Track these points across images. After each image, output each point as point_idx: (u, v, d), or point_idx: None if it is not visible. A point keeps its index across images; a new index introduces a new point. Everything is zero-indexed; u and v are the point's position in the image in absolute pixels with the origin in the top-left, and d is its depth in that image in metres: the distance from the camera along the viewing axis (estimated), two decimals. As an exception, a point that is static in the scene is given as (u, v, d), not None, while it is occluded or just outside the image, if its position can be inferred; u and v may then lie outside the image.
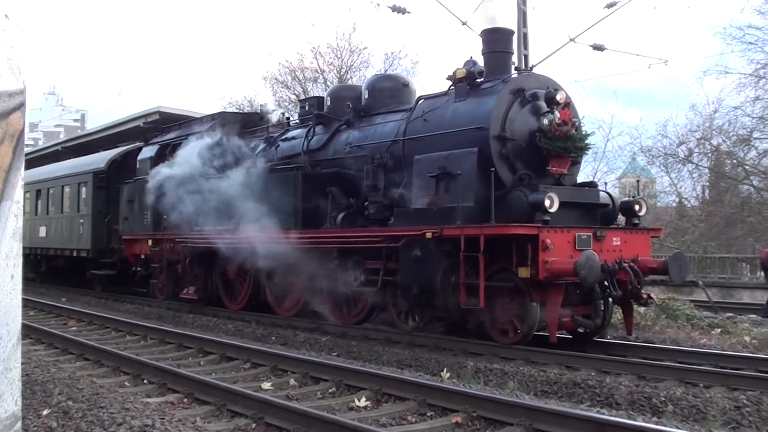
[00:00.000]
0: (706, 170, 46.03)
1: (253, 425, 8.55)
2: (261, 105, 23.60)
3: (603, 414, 8.64)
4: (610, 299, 13.81)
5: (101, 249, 26.23)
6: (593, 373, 11.44)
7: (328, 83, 44.77)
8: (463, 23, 23.08)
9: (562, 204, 13.08)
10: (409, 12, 24.32)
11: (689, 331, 16.49)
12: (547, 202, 12.80)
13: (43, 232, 30.51)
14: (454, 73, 14.66)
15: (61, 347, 14.33)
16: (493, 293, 13.18)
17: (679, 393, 10.02)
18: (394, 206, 15.05)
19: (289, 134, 18.86)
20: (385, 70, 43.16)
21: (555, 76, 15.42)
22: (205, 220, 18.83)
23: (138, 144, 25.39)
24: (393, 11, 24.10)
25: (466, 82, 14.50)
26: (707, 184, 47.75)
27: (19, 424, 5.60)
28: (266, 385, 10.70)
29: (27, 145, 8.77)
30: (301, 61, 47.65)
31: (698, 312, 18.39)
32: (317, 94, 31.67)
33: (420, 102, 15.57)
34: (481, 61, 14.90)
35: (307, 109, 19.21)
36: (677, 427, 8.28)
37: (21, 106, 5.50)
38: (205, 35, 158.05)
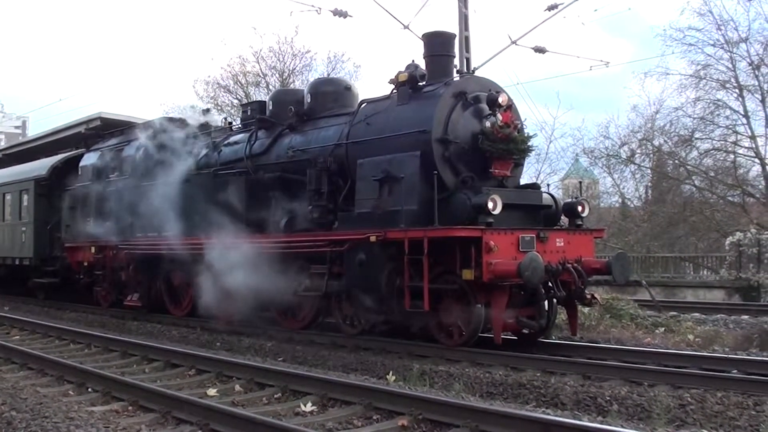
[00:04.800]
0: (649, 171, 46.55)
1: (199, 432, 8.51)
2: (203, 110, 23.45)
3: (548, 414, 8.69)
4: (554, 300, 13.89)
5: (44, 257, 25.90)
6: (538, 374, 11.51)
7: (270, 87, 44.61)
8: (405, 27, 23.15)
9: (505, 206, 13.15)
10: (350, 16, 24.32)
11: (633, 331, 16.63)
12: (490, 205, 12.85)
13: (-16, 240, 30.11)
14: (397, 76, 14.65)
15: (3, 357, 14.12)
16: (437, 296, 13.22)
17: (624, 392, 10.12)
18: (338, 210, 15.07)
19: (232, 139, 18.75)
20: (328, 74, 43.11)
21: (497, 78, 15.51)
22: (147, 226, 18.70)
23: (80, 150, 25.13)
24: (335, 15, 24.08)
25: (409, 86, 14.51)
26: (650, 184, 48.25)
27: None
28: (211, 392, 10.64)
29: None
30: (243, 65, 47.50)
31: (642, 311, 18.58)
32: (259, 99, 31.57)
33: (363, 106, 15.55)
34: (423, 65, 14.93)
35: (249, 113, 19.13)
36: (622, 426, 8.35)
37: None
38: (145, 40, 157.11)
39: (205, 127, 20.68)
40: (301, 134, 16.66)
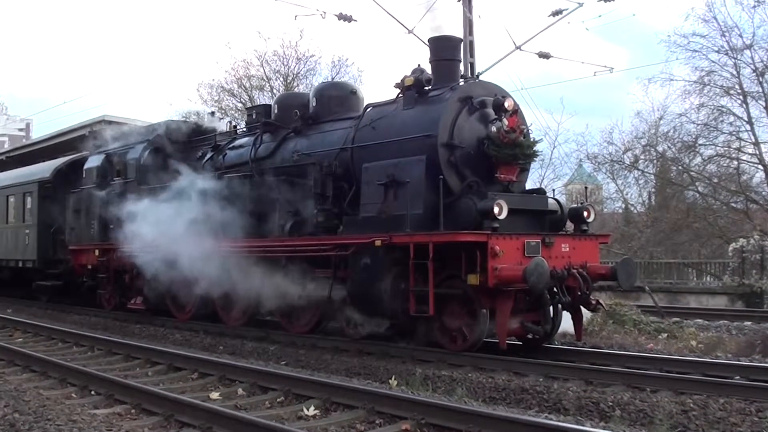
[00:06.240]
0: (652, 176, 46.44)
1: (201, 436, 8.50)
2: (208, 113, 23.46)
3: (551, 420, 8.68)
4: (560, 305, 13.86)
5: (47, 259, 25.94)
6: (541, 379, 11.49)
7: (275, 91, 44.64)
8: (410, 31, 23.14)
9: (510, 211, 13.11)
10: (355, 20, 24.31)
11: (636, 336, 16.63)
12: (495, 209, 12.82)
13: (-13, 242, 30.12)
14: (402, 80, 14.66)
15: (6, 359, 14.11)
16: (442, 300, 13.20)
17: (627, 397, 10.10)
18: (343, 214, 15.06)
19: (237, 143, 18.75)
20: (332, 78, 43.07)
21: (501, 84, 15.48)
22: (153, 229, 18.67)
23: (84, 153, 25.14)
24: (339, 19, 24.10)
25: (414, 90, 14.52)
26: (653, 190, 48.13)
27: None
28: (214, 395, 10.64)
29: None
30: (248, 69, 47.50)
31: (645, 317, 18.57)
32: (263, 102, 31.55)
33: (368, 110, 15.57)
34: (428, 69, 14.92)
35: (254, 117, 19.13)
36: (624, 432, 8.36)
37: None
38: (150, 43, 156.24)
39: (209, 131, 20.67)
40: (306, 138, 16.66)
